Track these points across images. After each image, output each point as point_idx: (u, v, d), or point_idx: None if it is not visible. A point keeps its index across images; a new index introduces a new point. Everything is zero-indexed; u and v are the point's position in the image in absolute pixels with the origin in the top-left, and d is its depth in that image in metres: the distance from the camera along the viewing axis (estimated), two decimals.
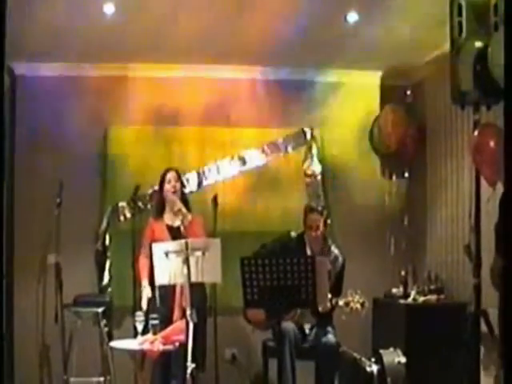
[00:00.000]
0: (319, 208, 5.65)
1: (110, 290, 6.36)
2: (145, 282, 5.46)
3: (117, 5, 5.15)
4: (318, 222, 5.47)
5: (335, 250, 5.54)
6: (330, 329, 5.34)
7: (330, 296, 5.00)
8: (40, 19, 5.30)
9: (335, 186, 6.76)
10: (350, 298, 5.11)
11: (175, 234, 5.44)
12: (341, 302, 5.12)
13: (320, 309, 4.99)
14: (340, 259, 5.49)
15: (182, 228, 5.48)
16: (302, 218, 5.54)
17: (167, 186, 5.59)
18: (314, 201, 6.39)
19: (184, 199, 5.66)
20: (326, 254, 5.45)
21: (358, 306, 5.09)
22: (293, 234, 5.56)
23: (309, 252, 5.48)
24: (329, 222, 5.60)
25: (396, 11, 5.19)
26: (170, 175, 5.62)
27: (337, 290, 5.22)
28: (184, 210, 5.51)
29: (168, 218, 5.61)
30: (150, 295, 5.41)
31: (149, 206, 6.46)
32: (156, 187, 6.38)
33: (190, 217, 5.53)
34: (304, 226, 5.53)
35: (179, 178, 5.69)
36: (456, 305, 5.63)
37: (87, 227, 6.43)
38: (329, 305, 5.03)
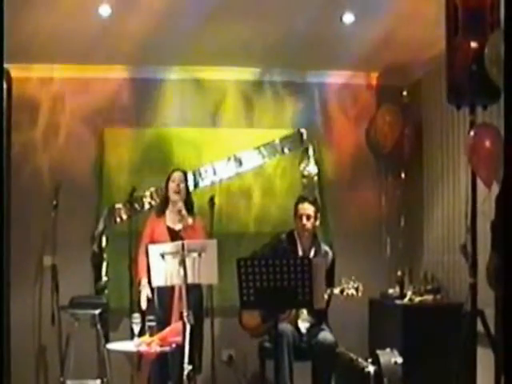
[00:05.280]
0: (311, 198, 5.65)
1: (106, 291, 6.36)
2: (144, 281, 5.48)
3: (112, 6, 5.14)
4: (308, 210, 5.45)
5: (325, 247, 5.55)
6: (325, 327, 5.34)
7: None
8: (35, 21, 5.30)
9: (331, 186, 6.76)
10: (344, 285, 5.12)
11: (175, 236, 5.43)
12: (336, 291, 5.14)
13: (317, 307, 4.97)
14: (330, 254, 5.49)
15: (182, 231, 5.47)
16: (293, 211, 5.52)
17: (171, 185, 5.66)
18: None
19: (189, 200, 5.70)
20: (317, 250, 5.46)
21: (353, 291, 5.11)
22: (283, 235, 5.55)
23: (300, 250, 5.48)
24: (319, 216, 5.56)
25: (392, 11, 5.19)
26: (176, 175, 5.71)
27: (329, 284, 5.21)
28: (184, 211, 5.53)
29: (169, 219, 5.63)
30: (150, 295, 5.43)
31: (146, 207, 6.47)
32: (153, 188, 6.43)
33: (190, 220, 5.55)
34: (295, 217, 5.50)
35: (185, 178, 5.78)
36: (452, 305, 5.62)
37: (84, 229, 6.42)
38: (325, 296, 5.02)
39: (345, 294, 5.11)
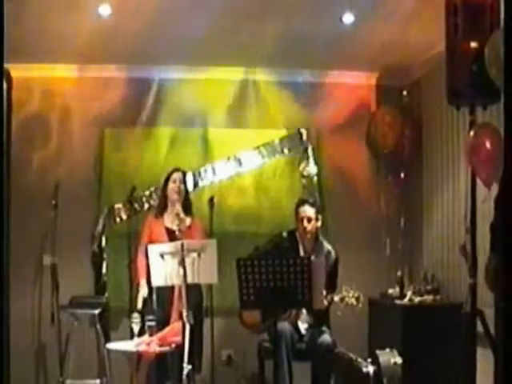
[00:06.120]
0: (311, 201, 5.66)
1: (106, 291, 6.36)
2: (143, 282, 5.46)
3: (113, 6, 5.15)
4: (309, 213, 5.45)
5: (328, 246, 5.54)
6: (325, 329, 5.34)
7: (325, 293, 4.99)
8: (36, 20, 5.30)
9: (331, 187, 6.76)
10: (344, 294, 5.12)
11: (173, 237, 5.41)
12: (336, 298, 5.13)
13: (316, 307, 4.97)
14: (333, 254, 5.49)
15: (180, 232, 5.45)
16: (294, 213, 5.53)
17: (172, 186, 5.61)
18: None
19: (187, 201, 5.66)
20: (319, 250, 5.46)
21: (353, 300, 5.10)
22: (284, 234, 5.56)
23: (302, 250, 5.49)
24: (320, 217, 5.57)
25: (392, 11, 5.19)
26: (176, 176, 5.65)
27: (332, 286, 5.22)
28: (182, 215, 5.49)
29: (168, 220, 5.60)
30: (145, 295, 5.42)
31: (145, 207, 6.47)
32: (153, 188, 6.42)
33: (188, 221, 5.53)
34: (296, 220, 5.51)
35: (184, 179, 5.72)
36: (452, 305, 5.62)
37: (83, 229, 6.43)
38: (325, 302, 5.03)
39: (345, 302, 5.10)
